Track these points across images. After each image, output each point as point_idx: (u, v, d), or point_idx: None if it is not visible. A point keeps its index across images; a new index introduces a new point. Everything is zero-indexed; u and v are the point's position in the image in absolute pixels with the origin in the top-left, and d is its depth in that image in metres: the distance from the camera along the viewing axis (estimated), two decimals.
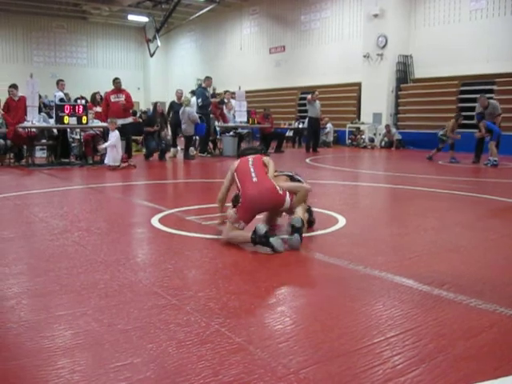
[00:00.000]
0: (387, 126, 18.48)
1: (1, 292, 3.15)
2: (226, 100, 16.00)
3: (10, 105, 11.41)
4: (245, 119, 14.98)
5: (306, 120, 17.75)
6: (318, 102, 16.96)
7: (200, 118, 13.73)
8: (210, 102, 14.64)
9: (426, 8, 18.59)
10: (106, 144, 10.83)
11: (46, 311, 2.83)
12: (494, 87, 16.28)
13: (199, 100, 14.06)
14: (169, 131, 14.57)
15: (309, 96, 16.99)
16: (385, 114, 19.13)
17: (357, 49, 20.02)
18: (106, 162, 10.75)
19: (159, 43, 25.87)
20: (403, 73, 19.24)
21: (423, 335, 2.51)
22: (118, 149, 10.83)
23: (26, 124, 11.16)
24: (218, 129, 15.19)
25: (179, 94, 14.23)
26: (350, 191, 8.31)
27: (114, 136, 10.77)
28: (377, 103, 19.23)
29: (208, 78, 14.75)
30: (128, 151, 12.01)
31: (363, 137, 19.43)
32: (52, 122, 11.72)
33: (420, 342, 2.43)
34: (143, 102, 30.79)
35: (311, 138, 17.09)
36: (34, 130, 11.51)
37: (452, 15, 17.83)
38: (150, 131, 13.20)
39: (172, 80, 31.38)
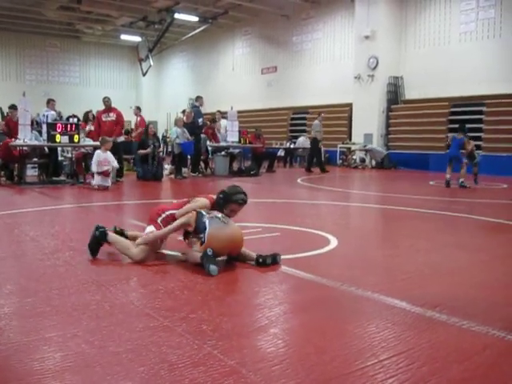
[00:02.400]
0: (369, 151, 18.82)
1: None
2: (216, 120, 16.07)
3: (9, 125, 11.59)
4: (236, 139, 15.03)
5: (310, 140, 17.77)
6: (317, 121, 17.10)
7: (196, 136, 13.74)
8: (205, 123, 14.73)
9: (417, 30, 18.83)
10: (113, 165, 10.68)
11: (36, 333, 2.79)
12: (484, 108, 16.44)
13: (200, 120, 14.05)
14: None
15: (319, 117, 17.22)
16: (376, 134, 19.26)
17: (348, 70, 20.20)
18: (94, 182, 10.56)
19: (152, 63, 26.00)
20: (394, 94, 19.41)
21: (417, 358, 2.50)
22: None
23: (18, 142, 11.14)
24: (209, 148, 15.22)
25: (189, 114, 14.23)
26: (342, 212, 8.33)
27: (106, 159, 10.64)
28: (368, 124, 19.37)
29: (200, 98, 14.84)
30: (119, 170, 11.98)
31: (354, 157, 19.52)
32: (43, 140, 11.70)
33: (413, 365, 2.42)
34: (134, 121, 30.81)
35: (317, 158, 17.27)
36: (25, 148, 11.48)
37: (442, 37, 18.07)
38: (143, 154, 12.93)
39: (164, 99, 31.51)
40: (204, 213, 4.25)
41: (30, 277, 3.92)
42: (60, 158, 12.50)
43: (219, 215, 4.25)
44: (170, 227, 4.36)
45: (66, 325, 2.91)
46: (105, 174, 10.53)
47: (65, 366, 2.40)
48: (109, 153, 10.74)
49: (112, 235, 4.55)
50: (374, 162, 19.02)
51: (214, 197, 4.58)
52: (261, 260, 4.22)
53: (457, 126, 16.09)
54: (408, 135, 18.62)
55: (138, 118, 14.31)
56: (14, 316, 3.08)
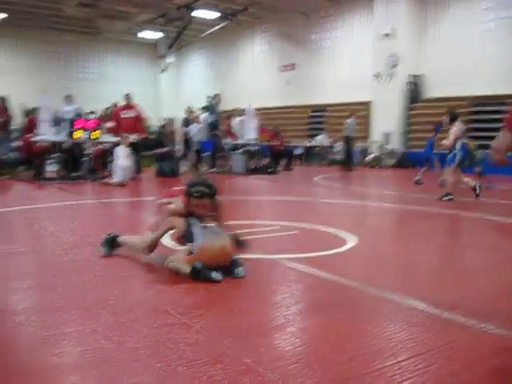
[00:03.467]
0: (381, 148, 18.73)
1: (10, 307, 3.16)
2: (237, 117, 16.10)
3: (31, 124, 11.73)
4: (254, 136, 15.03)
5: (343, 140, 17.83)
6: (351, 120, 17.20)
7: (213, 134, 13.81)
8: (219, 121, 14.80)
9: (437, 28, 18.67)
10: (123, 162, 10.77)
11: (56, 327, 2.82)
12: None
13: (212, 115, 14.14)
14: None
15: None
16: (395, 133, 19.13)
17: (367, 68, 20.09)
18: (114, 179, 10.65)
19: (171, 60, 26.08)
20: (414, 92, 19.27)
21: (435, 359, 2.49)
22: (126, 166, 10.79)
23: (38, 138, 11.26)
24: (227, 146, 15.25)
25: (190, 111, 14.35)
26: (359, 210, 8.29)
27: (126, 152, 10.77)
28: (387, 122, 19.25)
29: (217, 95, 14.90)
30: (137, 167, 12.05)
31: (371, 156, 19.43)
32: (64, 136, 11.80)
33: (432, 367, 2.41)
34: (154, 118, 30.96)
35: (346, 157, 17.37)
36: (45, 143, 11.60)
37: (463, 36, 17.89)
38: (161, 153, 13.03)
39: (183, 96, 31.55)
40: (193, 221, 3.93)
41: (50, 272, 3.96)
42: (87, 152, 12.61)
43: (212, 224, 3.92)
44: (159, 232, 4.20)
45: (85, 320, 2.93)
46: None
47: (84, 360, 2.42)
48: (128, 149, 10.86)
49: (122, 237, 4.52)
50: (391, 161, 18.90)
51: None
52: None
53: (477, 125, 16.00)
54: (428, 134, 18.44)
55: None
56: (34, 311, 3.12)
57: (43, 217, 6.73)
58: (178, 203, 4.09)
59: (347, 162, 17.17)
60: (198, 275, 3.66)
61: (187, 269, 3.71)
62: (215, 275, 3.66)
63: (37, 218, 6.61)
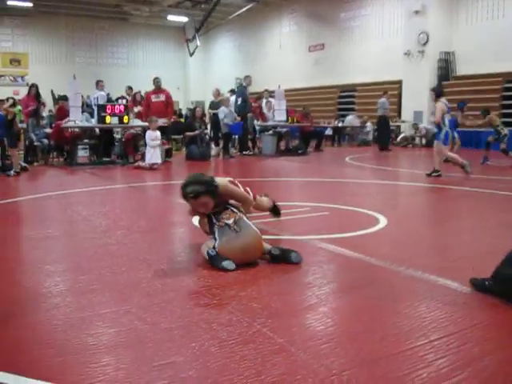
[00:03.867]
0: (415, 125, 18.42)
1: (46, 289, 3.23)
2: (264, 99, 16.00)
3: (61, 112, 11.86)
4: (284, 118, 14.95)
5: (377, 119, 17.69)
6: (384, 99, 17.01)
7: (241, 116, 13.80)
8: (250, 102, 14.72)
9: (469, 4, 18.22)
10: (153, 143, 10.85)
11: (91, 309, 2.88)
12: None
13: (239, 99, 14.09)
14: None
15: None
16: (426, 111, 18.80)
17: (397, 46, 19.75)
18: (147, 160, 10.78)
19: (198, 43, 26.02)
20: (445, 70, 18.89)
21: (468, 339, 2.47)
22: (157, 149, 10.89)
23: (69, 124, 11.40)
24: (257, 127, 15.21)
25: (217, 93, 14.33)
26: (391, 190, 8.22)
27: (156, 136, 10.86)
28: (418, 101, 18.91)
29: (247, 77, 14.82)
30: (168, 151, 12.13)
31: (403, 135, 19.18)
32: (94, 121, 11.92)
33: (465, 346, 2.39)
34: (183, 102, 31.03)
35: (382, 137, 17.24)
36: (76, 129, 11.74)
37: (496, 11, 17.44)
38: (190, 136, 13.07)
39: (211, 79, 31.53)
40: (214, 220, 3.77)
41: (83, 255, 4.03)
42: (118, 137, 12.75)
43: (230, 221, 3.72)
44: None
45: (119, 302, 2.99)
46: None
47: (118, 341, 2.48)
48: (158, 132, 10.93)
49: None
50: (423, 140, 18.63)
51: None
52: (274, 252, 3.71)
53: (511, 102, 15.65)
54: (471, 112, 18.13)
55: (129, 98, 14.19)
56: (69, 293, 3.18)
57: (76, 202, 6.83)
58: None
59: (383, 142, 17.04)
60: (211, 262, 3.59)
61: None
62: (226, 264, 3.52)
63: (70, 203, 6.71)
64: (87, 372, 2.16)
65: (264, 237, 3.92)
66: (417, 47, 18.86)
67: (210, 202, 3.75)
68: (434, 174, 9.23)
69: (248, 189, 4.22)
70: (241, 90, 14.39)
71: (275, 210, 4.88)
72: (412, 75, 19.07)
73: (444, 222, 5.69)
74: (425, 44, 18.63)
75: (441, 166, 9.38)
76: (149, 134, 10.89)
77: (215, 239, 3.66)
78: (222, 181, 3.92)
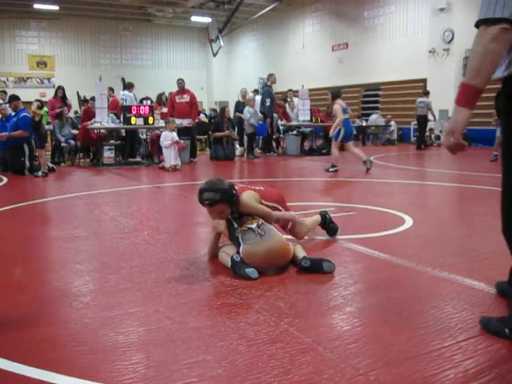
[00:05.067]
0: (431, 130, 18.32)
1: (77, 288, 3.29)
2: (288, 99, 16.01)
3: (88, 113, 12.04)
4: (308, 118, 14.95)
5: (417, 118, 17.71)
6: (425, 99, 16.97)
7: (265, 117, 13.83)
8: (276, 102, 14.76)
9: None
10: (165, 144, 10.84)
11: (120, 308, 2.93)
12: None
13: (268, 99, 14.08)
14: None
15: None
16: (451, 110, 18.59)
17: (422, 44, 19.60)
18: (166, 162, 10.78)
19: (222, 43, 26.11)
20: None
21: (496, 340, 2.45)
22: (174, 150, 10.86)
23: (95, 125, 11.55)
24: (281, 127, 15.22)
25: (244, 94, 14.38)
26: (417, 190, 8.17)
27: (172, 138, 10.84)
28: (443, 100, 18.72)
29: (271, 75, 14.80)
30: (192, 151, 12.21)
31: (427, 134, 19.02)
32: (120, 122, 12.06)
33: (492, 347, 2.38)
34: (206, 102, 31.19)
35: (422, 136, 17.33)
36: (102, 130, 11.90)
37: None
38: (218, 136, 13.13)
39: (235, 79, 31.63)
40: (235, 225, 3.69)
41: (112, 255, 4.10)
42: (143, 137, 12.87)
43: (253, 225, 3.63)
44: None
45: (148, 301, 3.04)
46: (180, 146, 10.77)
47: (148, 339, 2.52)
48: (174, 133, 10.96)
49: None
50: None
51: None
52: (304, 264, 3.54)
53: None
54: (485, 110, 17.89)
55: (110, 99, 14.18)
56: (99, 292, 3.24)
57: (103, 202, 6.92)
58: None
59: (419, 141, 17.04)
60: (234, 269, 3.47)
61: (229, 261, 3.54)
62: (249, 271, 3.39)
63: (97, 203, 6.81)
64: (118, 369, 2.21)
65: (290, 237, 3.94)
66: (442, 45, 18.70)
67: (226, 210, 3.70)
68: (367, 166, 9.95)
69: (292, 213, 4.17)
70: (267, 90, 14.38)
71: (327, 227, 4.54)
72: (437, 73, 18.91)
73: (471, 221, 5.64)
74: (450, 42, 18.46)
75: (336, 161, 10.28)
76: (164, 135, 10.90)
77: (239, 244, 3.59)
78: (246, 195, 3.82)
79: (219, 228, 3.87)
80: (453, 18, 18.31)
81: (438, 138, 18.85)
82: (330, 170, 10.04)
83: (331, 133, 10.13)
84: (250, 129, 13.76)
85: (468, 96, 2.38)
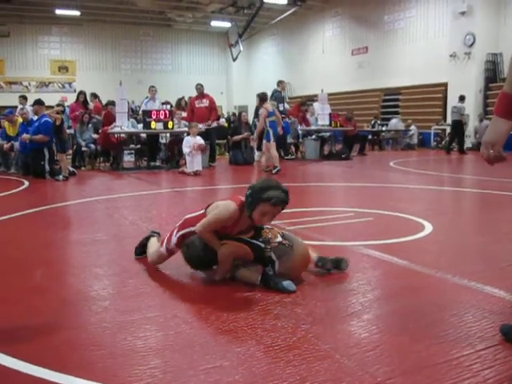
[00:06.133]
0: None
1: (95, 292, 3.32)
2: (308, 103, 16.02)
3: (108, 117, 12.12)
4: (327, 122, 14.92)
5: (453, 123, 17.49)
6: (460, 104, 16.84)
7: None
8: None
9: None
10: (186, 150, 10.85)
11: (139, 312, 2.95)
12: None
13: (281, 104, 14.15)
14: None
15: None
16: (472, 115, 18.49)
17: (443, 48, 19.49)
18: (188, 168, 10.79)
19: (241, 48, 26.20)
20: (492, 72, 18.54)
21: None
22: (197, 155, 10.83)
23: (115, 129, 11.65)
24: (300, 132, 15.22)
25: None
26: (436, 196, 8.10)
27: (199, 141, 10.89)
28: (464, 104, 18.62)
29: (282, 82, 14.94)
30: (212, 155, 12.25)
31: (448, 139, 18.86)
32: (140, 127, 12.13)
33: None
34: (226, 107, 31.30)
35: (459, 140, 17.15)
36: (123, 135, 11.99)
37: None
38: (236, 140, 13.19)
39: (254, 84, 31.72)
40: (262, 245, 3.42)
41: (131, 259, 4.12)
42: (163, 142, 12.97)
43: (279, 239, 3.46)
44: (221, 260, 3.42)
45: (166, 305, 3.06)
46: (200, 148, 10.78)
47: (166, 344, 2.54)
48: (198, 137, 10.98)
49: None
50: (471, 145, 18.29)
51: (242, 198, 3.45)
52: (320, 264, 3.58)
53: None
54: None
55: (93, 105, 14.17)
56: (118, 296, 3.27)
57: (122, 206, 6.98)
58: (223, 209, 3.36)
59: (461, 145, 16.91)
60: (269, 283, 3.31)
61: (257, 276, 3.37)
62: (287, 284, 3.26)
63: (117, 207, 6.86)
64: (136, 374, 2.23)
65: (309, 242, 3.93)
66: (463, 49, 18.57)
67: (278, 214, 3.45)
68: (274, 170, 10.49)
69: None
70: (279, 96, 14.49)
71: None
72: (458, 78, 18.78)
73: (491, 228, 5.58)
74: (471, 45, 18.34)
75: (268, 162, 11.07)
76: (186, 140, 10.91)
77: (272, 261, 3.39)
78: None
79: (239, 252, 3.44)
80: (474, 22, 18.18)
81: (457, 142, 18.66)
82: (274, 171, 10.48)
83: (255, 137, 11.49)
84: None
85: (505, 105, 2.27)
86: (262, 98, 11.09)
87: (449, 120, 19.30)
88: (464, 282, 3.42)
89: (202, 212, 3.52)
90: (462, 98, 16.84)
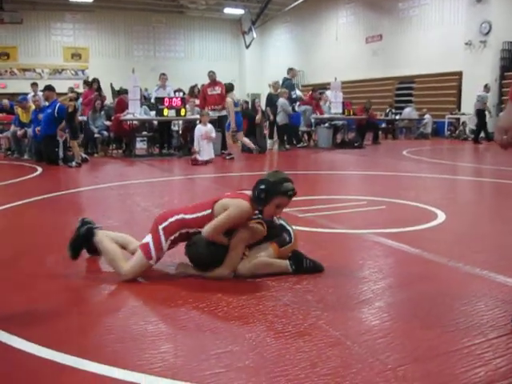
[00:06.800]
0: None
1: (107, 277, 3.33)
2: (320, 91, 15.98)
3: (121, 105, 12.12)
4: (340, 110, 14.84)
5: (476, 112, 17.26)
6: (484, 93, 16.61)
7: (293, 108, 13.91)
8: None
9: None
10: (212, 135, 10.77)
11: (150, 297, 2.98)
12: None
13: (293, 92, 14.13)
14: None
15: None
16: (488, 104, 18.28)
17: (458, 36, 19.24)
18: (200, 156, 10.64)
19: (255, 35, 26.07)
20: (508, 60, 18.31)
21: None
22: (209, 143, 10.78)
23: (128, 117, 11.66)
24: (313, 120, 15.15)
25: (277, 87, 14.43)
26: (450, 185, 8.05)
27: (206, 131, 10.76)
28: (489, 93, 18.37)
29: (292, 69, 14.92)
30: (224, 143, 12.23)
31: (462, 128, 18.70)
32: (153, 114, 12.13)
33: None
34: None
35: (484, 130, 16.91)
36: (135, 122, 12.00)
37: None
38: (253, 127, 13.16)
39: (267, 71, 31.55)
40: (281, 221, 3.48)
41: None
42: (175, 129, 13.02)
43: (283, 220, 3.53)
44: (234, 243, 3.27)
45: (176, 291, 3.06)
46: (207, 138, 10.71)
47: (177, 329, 2.55)
48: (209, 125, 10.90)
49: (102, 236, 3.52)
50: (483, 134, 18.11)
51: (249, 193, 3.31)
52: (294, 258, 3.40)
53: None
54: None
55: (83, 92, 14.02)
56: (130, 281, 3.26)
57: (135, 192, 7.00)
58: (241, 205, 3.21)
59: (485, 135, 16.67)
60: (302, 266, 3.32)
61: (283, 262, 3.33)
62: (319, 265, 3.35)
63: (129, 193, 6.88)
64: (147, 358, 2.23)
65: (321, 230, 3.92)
66: (478, 37, 18.34)
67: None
68: (228, 157, 11.38)
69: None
70: (290, 84, 14.46)
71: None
72: (473, 66, 18.56)
73: (505, 217, 5.53)
74: (487, 34, 18.09)
75: (232, 149, 12.18)
76: (198, 128, 10.78)
77: (287, 229, 3.44)
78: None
79: (257, 234, 3.32)
80: (490, 10, 17.93)
81: (473, 132, 18.49)
82: (227, 157, 11.42)
83: (233, 126, 12.14)
84: (282, 120, 13.74)
85: None
86: (229, 88, 12.44)
87: (463, 109, 19.14)
88: (476, 271, 3.39)
89: (205, 213, 3.31)
90: (485, 87, 16.59)
